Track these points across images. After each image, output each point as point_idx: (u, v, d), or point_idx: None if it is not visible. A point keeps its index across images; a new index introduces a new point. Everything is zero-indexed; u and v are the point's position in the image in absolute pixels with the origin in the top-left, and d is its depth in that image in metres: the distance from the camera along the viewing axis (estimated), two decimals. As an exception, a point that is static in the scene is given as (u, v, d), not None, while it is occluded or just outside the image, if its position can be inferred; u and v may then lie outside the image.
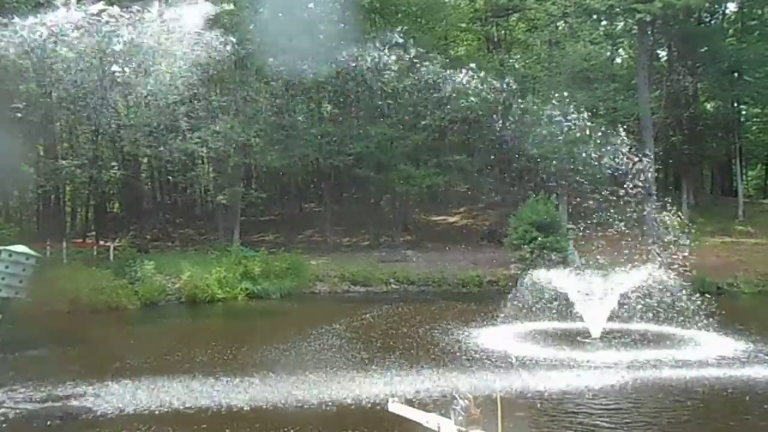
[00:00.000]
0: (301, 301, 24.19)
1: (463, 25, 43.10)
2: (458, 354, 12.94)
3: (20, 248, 9.35)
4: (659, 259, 20.26)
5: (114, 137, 33.65)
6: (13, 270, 9.39)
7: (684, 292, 14.56)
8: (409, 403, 6.63)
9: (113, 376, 10.70)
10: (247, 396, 9.56)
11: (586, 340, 14.11)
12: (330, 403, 9.23)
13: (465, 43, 46.11)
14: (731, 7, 40.69)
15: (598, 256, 25.47)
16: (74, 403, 9.34)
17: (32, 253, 9.44)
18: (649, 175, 33.20)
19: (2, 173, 27.25)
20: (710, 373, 10.83)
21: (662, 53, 42.42)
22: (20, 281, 9.31)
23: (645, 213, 33.82)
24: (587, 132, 31.64)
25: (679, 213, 36.38)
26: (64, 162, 30.89)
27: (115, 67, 30.25)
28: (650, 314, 15.00)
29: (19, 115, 27.33)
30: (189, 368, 11.57)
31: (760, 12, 39.24)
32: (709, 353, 12.43)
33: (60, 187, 35.46)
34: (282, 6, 30.80)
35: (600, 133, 31.53)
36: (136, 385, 10.18)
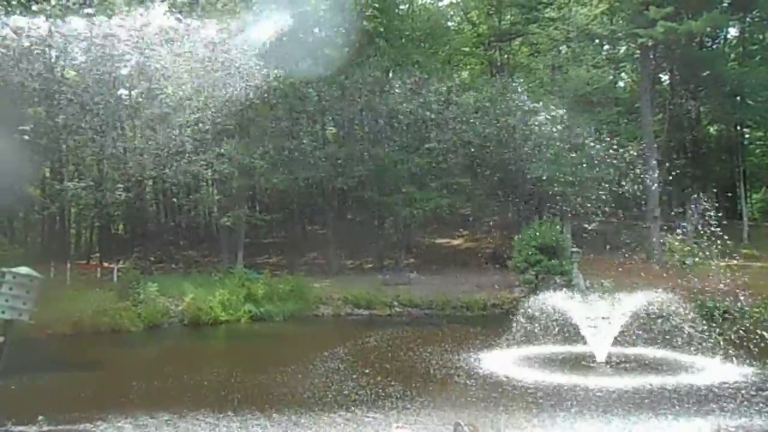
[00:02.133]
0: (305, 324, 24.07)
1: (467, 49, 43.58)
2: (462, 379, 12.83)
3: (24, 270, 9.32)
4: (664, 282, 20.16)
5: (120, 160, 33.88)
6: (16, 292, 9.32)
7: (689, 315, 14.45)
8: (413, 428, 6.59)
9: (116, 409, 10.61)
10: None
11: (591, 365, 13.99)
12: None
13: (468, 67, 46.51)
14: (733, 31, 41.05)
15: (603, 280, 25.41)
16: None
17: (36, 275, 9.40)
18: (653, 198, 33.30)
19: (8, 195, 27.42)
20: (719, 403, 10.62)
21: (664, 77, 42.69)
22: (24, 303, 9.26)
23: (649, 236, 33.80)
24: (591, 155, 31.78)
25: (684, 236, 36.39)
26: (69, 184, 31.06)
27: (122, 91, 30.63)
28: (655, 338, 14.89)
29: (26, 137, 27.56)
30: (194, 398, 11.47)
31: (761, 36, 39.57)
32: (714, 381, 12.24)
33: (65, 209, 35.59)
34: (286, 30, 31.18)
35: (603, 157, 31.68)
36: (139, 419, 10.08)
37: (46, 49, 24.90)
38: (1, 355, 9.13)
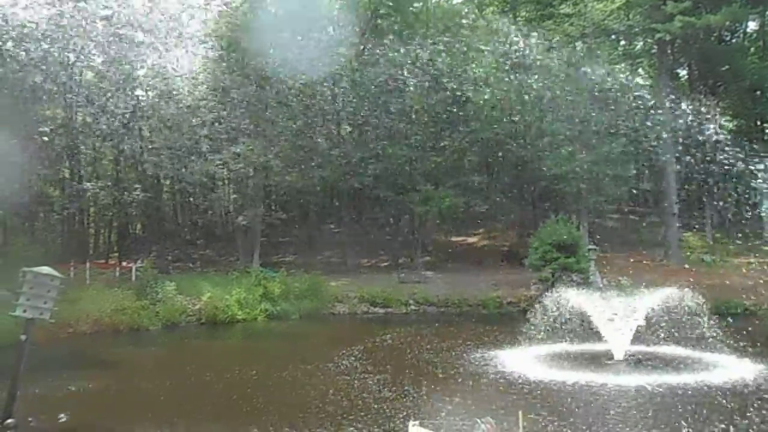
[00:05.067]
0: (321, 323, 24.13)
1: (481, 46, 43.27)
2: (479, 376, 12.80)
3: (45, 270, 9.49)
4: (682, 279, 19.94)
5: (137, 160, 34.23)
6: (38, 291, 9.52)
7: (708, 313, 14.27)
8: (430, 425, 6.59)
9: (136, 408, 10.69)
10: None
11: (610, 362, 13.88)
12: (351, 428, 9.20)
13: (483, 64, 46.21)
14: (752, 25, 40.47)
15: (620, 277, 25.19)
16: None
17: (57, 274, 9.56)
18: (671, 195, 32.97)
19: (28, 195, 27.82)
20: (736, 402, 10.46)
21: (682, 72, 42.20)
22: (45, 302, 9.44)
23: (667, 233, 33.47)
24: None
25: (703, 233, 36.01)
26: (88, 184, 31.45)
27: (139, 92, 30.95)
28: (674, 336, 14.73)
29: (45, 138, 27.96)
30: (214, 400, 11.49)
31: (781, 30, 39.00)
32: (732, 379, 12.07)
33: (84, 209, 36.03)
34: (302, 29, 31.28)
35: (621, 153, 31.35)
36: (159, 418, 10.13)
37: (64, 51, 25.22)
38: (23, 353, 9.30)
